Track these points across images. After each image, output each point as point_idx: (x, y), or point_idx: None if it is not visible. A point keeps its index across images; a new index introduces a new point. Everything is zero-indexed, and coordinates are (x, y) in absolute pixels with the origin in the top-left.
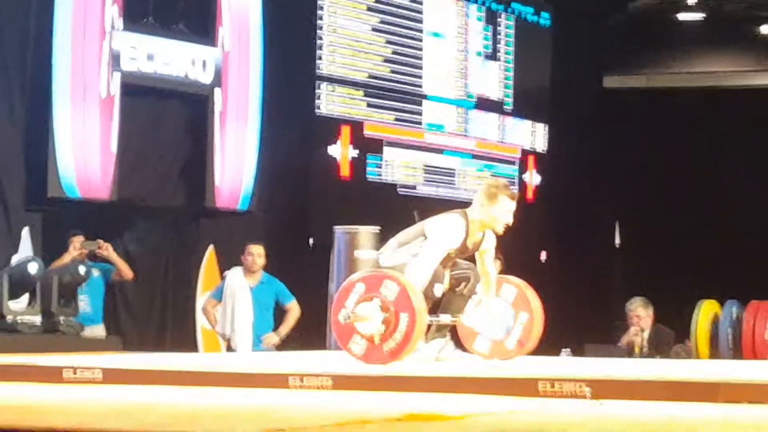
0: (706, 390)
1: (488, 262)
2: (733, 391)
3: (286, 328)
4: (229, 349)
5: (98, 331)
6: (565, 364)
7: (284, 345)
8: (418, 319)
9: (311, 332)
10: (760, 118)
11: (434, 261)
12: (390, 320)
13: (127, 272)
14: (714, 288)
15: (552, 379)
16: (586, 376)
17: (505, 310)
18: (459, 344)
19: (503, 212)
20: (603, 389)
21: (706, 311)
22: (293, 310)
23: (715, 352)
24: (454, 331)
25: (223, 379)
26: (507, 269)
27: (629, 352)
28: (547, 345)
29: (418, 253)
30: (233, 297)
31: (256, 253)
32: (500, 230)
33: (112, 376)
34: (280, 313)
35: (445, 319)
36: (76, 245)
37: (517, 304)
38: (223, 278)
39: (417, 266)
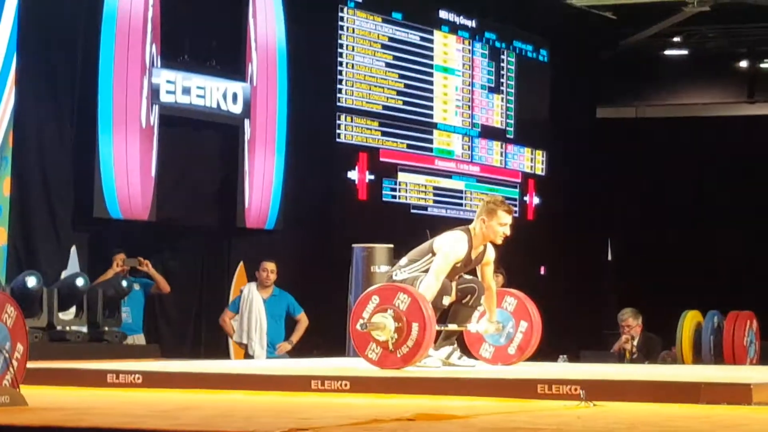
0: (690, 392)
1: (489, 274)
2: (714, 393)
3: (297, 336)
4: (247, 355)
5: (139, 339)
6: (562, 369)
7: (308, 352)
8: (428, 327)
9: (332, 340)
10: (739, 144)
11: (442, 273)
12: (403, 329)
13: (165, 286)
14: (697, 299)
15: (550, 382)
16: (580, 379)
17: (506, 319)
18: (465, 350)
19: (501, 225)
20: (596, 391)
21: (690, 320)
22: (303, 321)
23: (698, 358)
24: (460, 339)
25: (251, 383)
26: (509, 282)
27: (620, 357)
28: (546, 352)
29: (428, 268)
30: (249, 308)
31: (270, 269)
32: (499, 241)
33: (151, 381)
34: (290, 324)
35: (452, 327)
36: (119, 262)
37: (518, 314)
38: (239, 292)
39: (427, 279)
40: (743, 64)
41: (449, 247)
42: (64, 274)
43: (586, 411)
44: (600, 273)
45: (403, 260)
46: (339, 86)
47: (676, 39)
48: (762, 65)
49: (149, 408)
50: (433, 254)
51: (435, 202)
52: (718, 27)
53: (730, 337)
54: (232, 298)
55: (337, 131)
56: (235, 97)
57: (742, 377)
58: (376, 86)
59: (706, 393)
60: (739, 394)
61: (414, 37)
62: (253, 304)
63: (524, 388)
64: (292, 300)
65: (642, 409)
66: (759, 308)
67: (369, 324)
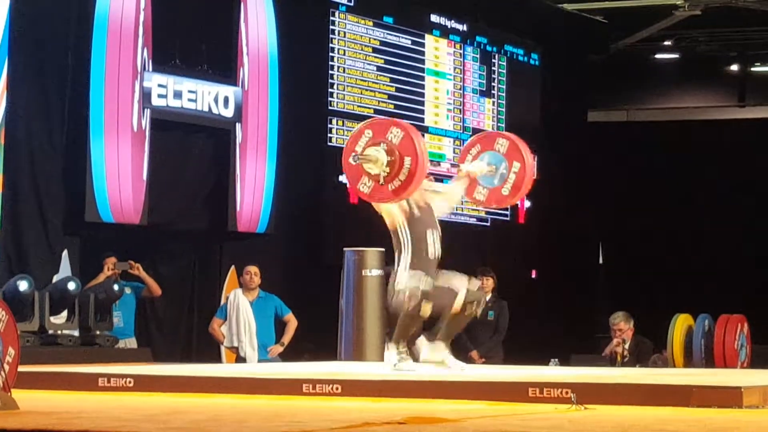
0: (681, 395)
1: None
2: (705, 397)
3: (287, 337)
4: (239, 358)
5: (131, 343)
6: (553, 372)
7: (299, 356)
8: (421, 161)
9: (324, 344)
10: (730, 148)
11: None
12: (395, 162)
13: (156, 289)
14: (688, 303)
15: (541, 385)
16: (571, 383)
17: (499, 161)
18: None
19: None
20: (587, 394)
21: (681, 324)
22: (291, 321)
23: (689, 361)
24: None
25: (242, 387)
26: (500, 286)
27: (612, 361)
28: (537, 355)
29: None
30: (236, 313)
31: (253, 272)
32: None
33: (143, 384)
34: (279, 326)
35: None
36: (110, 265)
37: (510, 155)
38: (226, 299)
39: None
40: (734, 67)
41: None
42: (55, 278)
43: (577, 414)
44: (591, 276)
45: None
46: (330, 90)
47: (667, 43)
48: (752, 69)
49: (140, 412)
50: (396, 230)
51: None
52: (708, 31)
53: (721, 341)
54: (224, 301)
55: (329, 135)
56: (226, 100)
57: (732, 380)
58: (367, 90)
59: (697, 396)
60: (730, 397)
61: (405, 41)
62: (240, 307)
63: (515, 392)
64: (279, 301)
65: (633, 413)
66: (750, 312)
67: (361, 157)
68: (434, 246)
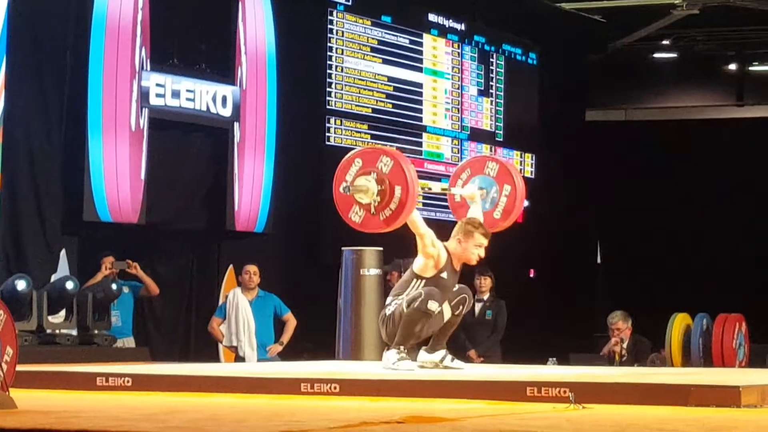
0: (679, 394)
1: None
2: (703, 396)
3: (286, 336)
4: (238, 357)
5: (129, 342)
6: (551, 371)
7: (298, 355)
8: (411, 190)
9: (322, 343)
10: (728, 147)
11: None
12: (386, 192)
13: (154, 288)
14: (686, 302)
15: (539, 384)
16: (569, 382)
17: (489, 185)
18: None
19: (477, 247)
20: (585, 393)
21: (679, 323)
22: (290, 320)
23: (687, 361)
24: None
25: (241, 386)
26: (498, 285)
27: (610, 360)
28: (535, 354)
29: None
30: (236, 311)
31: (252, 271)
32: (474, 262)
33: (141, 384)
34: (278, 326)
35: (436, 357)
36: (108, 265)
37: (501, 178)
38: (225, 298)
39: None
40: (732, 67)
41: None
42: (53, 278)
43: (575, 413)
44: (590, 276)
45: (388, 299)
46: (328, 89)
47: (665, 42)
48: (750, 68)
49: (138, 411)
50: (417, 277)
51: (424, 205)
52: (706, 30)
53: (719, 340)
54: (221, 302)
55: (327, 134)
56: (224, 100)
57: (731, 380)
58: (365, 89)
59: (695, 395)
60: (728, 396)
61: (403, 40)
62: (239, 306)
63: (513, 391)
64: (278, 300)
65: (631, 412)
66: (748, 311)
67: (352, 187)
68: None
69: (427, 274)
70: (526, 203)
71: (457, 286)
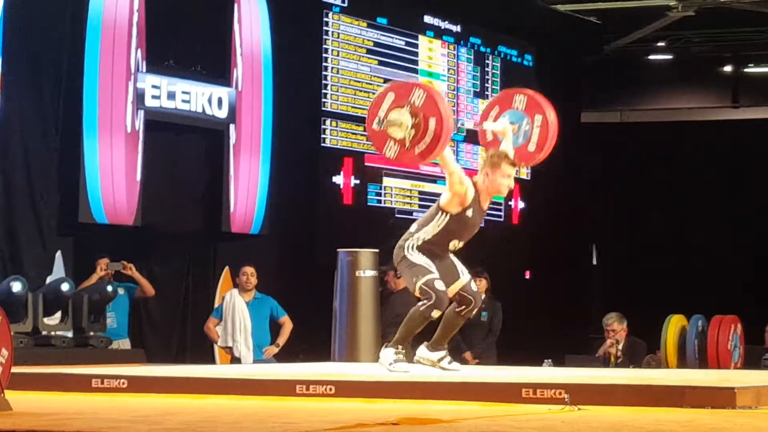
0: (674, 396)
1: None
2: (698, 397)
3: (283, 339)
4: (233, 358)
5: (124, 344)
6: (547, 373)
7: (293, 357)
8: (446, 122)
9: (318, 345)
10: (724, 149)
11: (459, 170)
12: (420, 125)
13: (150, 290)
14: (682, 304)
15: (534, 386)
16: (565, 383)
17: (520, 118)
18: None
19: (506, 177)
20: (580, 395)
21: (674, 325)
22: (287, 323)
23: (682, 362)
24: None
25: (236, 388)
26: (493, 287)
27: (605, 362)
28: (531, 356)
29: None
30: (232, 312)
31: (249, 272)
32: (505, 193)
33: (136, 386)
34: (274, 328)
35: (435, 356)
36: (103, 266)
37: (530, 110)
38: (221, 300)
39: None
40: (728, 68)
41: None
42: (49, 279)
43: (570, 415)
44: (585, 277)
45: (413, 227)
46: (324, 91)
47: (661, 44)
48: (746, 70)
49: (134, 413)
50: (442, 211)
51: (420, 206)
52: (702, 32)
53: (714, 341)
54: (217, 303)
55: (323, 136)
56: (220, 101)
57: (726, 381)
58: (361, 91)
59: (691, 397)
60: (723, 398)
61: (399, 42)
62: (236, 307)
63: (509, 392)
64: (275, 303)
65: (626, 413)
66: (743, 313)
67: (386, 121)
68: (452, 245)
69: (452, 209)
70: (522, 205)
71: (474, 289)
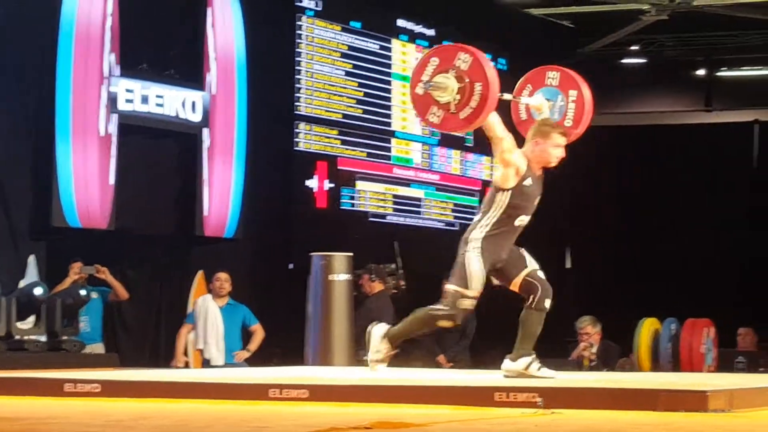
0: (647, 399)
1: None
2: (671, 400)
3: (254, 345)
4: (204, 361)
5: (98, 348)
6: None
7: (266, 361)
8: (492, 86)
9: (291, 349)
10: (697, 152)
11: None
12: (465, 89)
13: (123, 293)
14: (655, 307)
15: (507, 390)
16: (538, 387)
17: (554, 94)
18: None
19: (556, 147)
20: (554, 399)
21: (648, 328)
22: (259, 331)
23: (656, 365)
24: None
25: (209, 392)
26: None
27: (579, 365)
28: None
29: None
30: (205, 316)
31: (223, 278)
32: (555, 163)
33: (109, 390)
34: (246, 336)
35: (515, 365)
36: (76, 270)
37: (564, 85)
38: (195, 305)
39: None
40: (701, 72)
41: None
42: (22, 284)
43: (544, 419)
44: (558, 280)
45: (477, 216)
46: (297, 95)
47: (634, 47)
48: (719, 74)
49: (107, 417)
50: (500, 190)
51: (394, 210)
52: (675, 35)
53: (687, 344)
54: (191, 306)
55: (296, 139)
56: (193, 105)
57: (699, 384)
58: (335, 95)
59: (664, 400)
60: (696, 401)
61: (373, 45)
62: (209, 311)
63: (481, 396)
64: (248, 311)
65: (600, 417)
66: (717, 316)
67: (432, 84)
68: (519, 222)
69: (509, 184)
70: None
71: (542, 277)
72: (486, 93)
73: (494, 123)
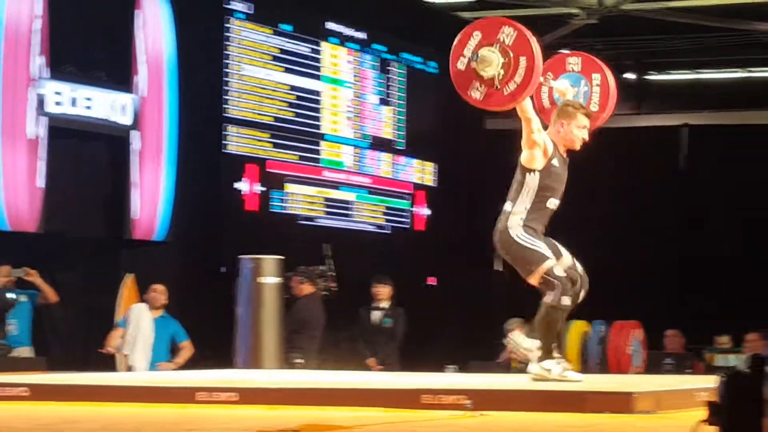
0: (575, 401)
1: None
2: (598, 402)
3: (181, 359)
4: (128, 367)
5: (26, 352)
6: (449, 379)
7: (196, 364)
8: (537, 61)
9: (220, 352)
10: (627, 155)
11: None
12: (509, 64)
13: (52, 296)
14: (583, 309)
15: (435, 392)
16: (466, 389)
17: (577, 80)
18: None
19: (580, 129)
20: (482, 401)
21: (576, 330)
22: (187, 347)
23: (584, 367)
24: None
25: (138, 395)
26: (398, 293)
27: (507, 367)
28: (433, 362)
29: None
30: (137, 323)
31: (160, 290)
32: (578, 146)
33: (38, 393)
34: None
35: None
36: (4, 273)
37: (586, 69)
38: (129, 310)
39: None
40: (630, 75)
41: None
42: None
43: (472, 421)
44: (488, 283)
45: (506, 205)
46: (225, 97)
47: (564, 51)
48: (648, 77)
49: (35, 421)
50: (528, 171)
51: (325, 213)
52: (605, 39)
53: (615, 347)
54: (121, 309)
55: (224, 142)
56: (123, 108)
57: (625, 386)
58: (266, 98)
59: (591, 402)
60: (622, 402)
61: (304, 48)
62: (141, 319)
63: (409, 398)
64: (179, 327)
65: (528, 419)
66: (647, 318)
67: (478, 57)
68: (551, 204)
69: (537, 165)
70: (428, 212)
71: (580, 268)
72: (531, 68)
73: (528, 102)
